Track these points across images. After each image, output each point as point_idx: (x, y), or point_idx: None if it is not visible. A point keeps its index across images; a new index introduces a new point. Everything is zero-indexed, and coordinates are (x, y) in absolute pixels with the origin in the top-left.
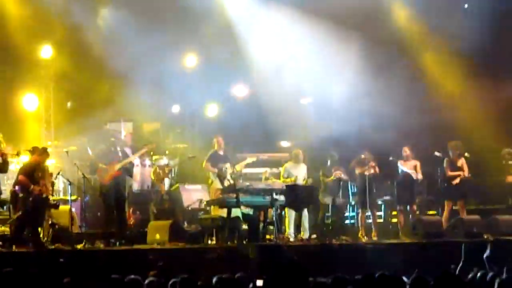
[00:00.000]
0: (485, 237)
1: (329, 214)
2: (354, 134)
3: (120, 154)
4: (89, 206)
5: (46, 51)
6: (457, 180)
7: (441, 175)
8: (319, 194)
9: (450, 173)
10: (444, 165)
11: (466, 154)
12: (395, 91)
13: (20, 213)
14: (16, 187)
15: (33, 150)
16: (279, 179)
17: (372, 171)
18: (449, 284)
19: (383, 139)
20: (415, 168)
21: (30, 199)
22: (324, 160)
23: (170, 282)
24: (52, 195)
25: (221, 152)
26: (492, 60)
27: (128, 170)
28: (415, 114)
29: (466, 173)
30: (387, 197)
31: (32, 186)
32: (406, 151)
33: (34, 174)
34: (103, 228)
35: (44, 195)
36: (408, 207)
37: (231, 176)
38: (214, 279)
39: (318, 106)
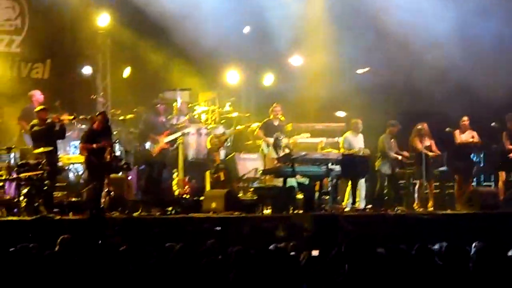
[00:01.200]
0: None
1: (386, 184)
2: (411, 104)
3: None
4: (144, 175)
5: (103, 19)
6: None
7: (498, 146)
8: (376, 164)
9: (510, 146)
10: (503, 137)
11: None
12: (452, 62)
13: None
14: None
15: (92, 118)
16: (335, 149)
17: (428, 142)
18: None
19: (441, 109)
20: (472, 138)
21: (89, 165)
22: (382, 131)
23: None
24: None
25: (276, 122)
26: None
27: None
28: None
29: None
30: (444, 168)
31: (88, 153)
32: (465, 120)
33: (94, 140)
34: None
35: (104, 161)
36: (464, 178)
37: (286, 146)
38: (270, 248)
39: (375, 76)
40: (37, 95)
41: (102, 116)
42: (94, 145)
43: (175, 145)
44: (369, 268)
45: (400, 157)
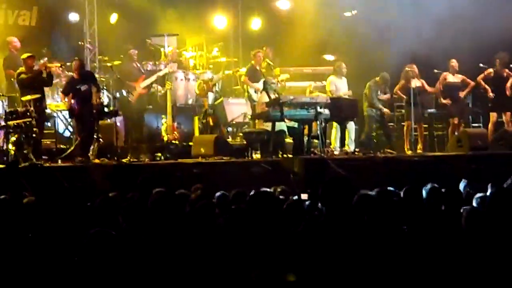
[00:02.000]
0: None
1: (375, 127)
2: (399, 46)
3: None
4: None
5: None
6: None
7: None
8: (364, 107)
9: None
10: (492, 75)
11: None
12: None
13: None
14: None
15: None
16: (323, 92)
17: (418, 83)
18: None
19: (429, 51)
20: (463, 80)
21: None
22: (371, 75)
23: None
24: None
25: (259, 67)
26: None
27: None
28: (460, 26)
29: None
30: (432, 110)
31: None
32: (453, 62)
33: (74, 88)
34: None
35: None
36: (454, 119)
37: (275, 90)
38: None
39: (363, 19)
40: (14, 41)
41: (76, 63)
42: (66, 99)
43: (159, 91)
44: (345, 210)
45: (385, 111)
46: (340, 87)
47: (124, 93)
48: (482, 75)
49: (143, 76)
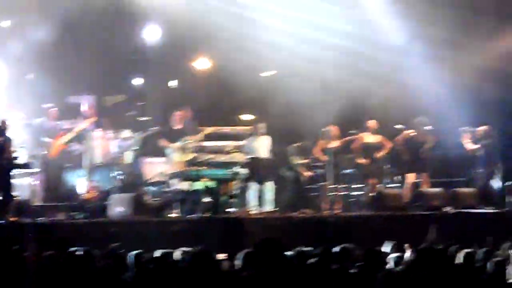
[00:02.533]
0: (446, 210)
1: (293, 187)
2: (318, 107)
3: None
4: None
5: (6, 18)
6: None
7: (404, 148)
8: (284, 167)
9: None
10: (405, 139)
11: (428, 127)
12: (360, 64)
13: None
14: None
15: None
16: (242, 152)
17: (336, 144)
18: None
19: (348, 112)
20: (380, 141)
21: None
22: (289, 135)
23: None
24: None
25: (178, 127)
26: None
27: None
28: (380, 88)
29: (430, 144)
30: (350, 171)
31: None
32: (371, 123)
33: None
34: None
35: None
36: (371, 179)
37: (193, 150)
38: (177, 253)
39: (281, 79)
40: None
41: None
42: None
43: (77, 149)
44: (276, 270)
45: (305, 173)
46: (258, 147)
47: (43, 151)
48: (399, 137)
49: (61, 133)
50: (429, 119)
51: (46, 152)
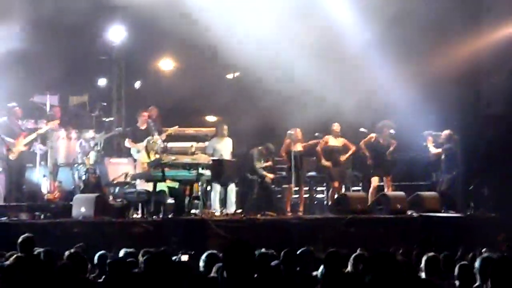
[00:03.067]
0: (409, 213)
1: (256, 189)
2: (284, 110)
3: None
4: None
5: None
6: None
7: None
8: (247, 169)
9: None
10: (371, 142)
11: (391, 130)
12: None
13: None
14: None
15: None
16: (205, 153)
17: (300, 147)
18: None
19: (312, 115)
20: (344, 144)
21: None
22: (255, 138)
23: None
24: None
25: (143, 127)
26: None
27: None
28: (343, 91)
29: (393, 148)
30: (313, 173)
31: None
32: (335, 126)
33: None
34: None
35: None
36: (335, 182)
37: (157, 151)
38: (140, 253)
39: (246, 80)
40: None
41: None
42: None
43: (40, 149)
44: (247, 273)
45: (268, 176)
46: (221, 148)
47: (4, 150)
48: (364, 140)
49: (24, 133)
50: (393, 123)
51: (7, 152)
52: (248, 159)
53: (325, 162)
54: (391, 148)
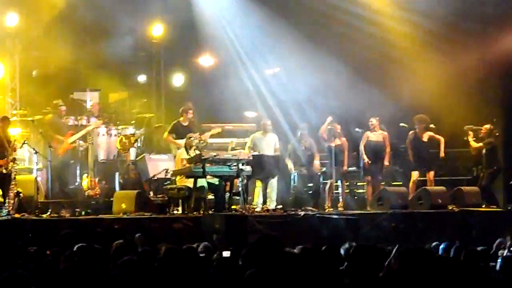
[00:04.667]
0: (450, 208)
1: (297, 184)
2: (321, 105)
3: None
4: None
5: (11, 19)
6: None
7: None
8: (287, 164)
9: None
10: (409, 138)
11: (431, 125)
12: (360, 62)
13: None
14: None
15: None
16: (245, 149)
17: (339, 142)
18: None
19: (350, 110)
20: (383, 139)
21: None
22: (293, 131)
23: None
24: (12, 170)
25: (185, 123)
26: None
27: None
28: (381, 86)
29: (441, 144)
30: (353, 168)
31: None
32: (373, 122)
33: None
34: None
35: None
36: (374, 178)
37: (197, 146)
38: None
39: (284, 76)
40: None
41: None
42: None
43: (81, 145)
44: (276, 268)
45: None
46: (263, 144)
47: (53, 147)
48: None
49: (71, 131)
50: (431, 118)
51: (54, 149)
52: (289, 152)
53: (364, 157)
54: (441, 145)
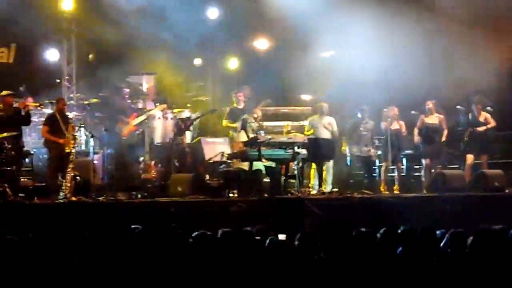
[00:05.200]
0: (507, 191)
1: (351, 165)
2: (377, 88)
3: (139, 107)
4: (111, 159)
5: (67, 3)
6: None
7: (463, 128)
8: (343, 147)
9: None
10: (469, 118)
11: (488, 107)
12: (418, 45)
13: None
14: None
15: (56, 101)
16: (301, 132)
17: (396, 125)
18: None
19: (407, 93)
20: (440, 122)
21: (50, 152)
22: (353, 113)
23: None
24: (74, 147)
25: (240, 106)
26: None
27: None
28: (438, 68)
29: (491, 125)
30: (410, 151)
31: (52, 138)
32: (429, 105)
33: (55, 125)
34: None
35: (65, 148)
36: (431, 160)
37: (253, 128)
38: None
39: (340, 60)
40: None
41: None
42: (61, 140)
43: (142, 128)
44: (345, 252)
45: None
46: (320, 128)
47: (117, 129)
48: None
49: (135, 114)
50: (488, 99)
51: (119, 131)
52: (347, 128)
53: (418, 140)
54: (489, 126)
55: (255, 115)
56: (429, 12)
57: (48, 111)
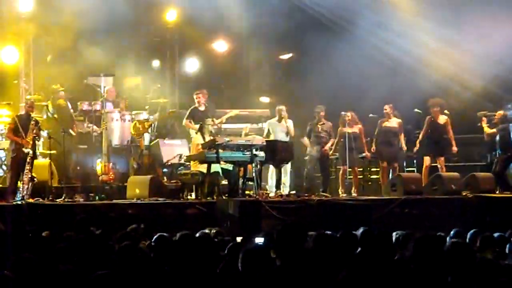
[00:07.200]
0: (464, 194)
1: (313, 167)
2: (337, 91)
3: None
4: (69, 161)
5: (25, 4)
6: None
7: (420, 131)
8: (304, 143)
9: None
10: (426, 122)
11: (445, 111)
12: (374, 51)
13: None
14: None
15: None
16: (259, 135)
17: (354, 129)
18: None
19: (365, 97)
20: (397, 125)
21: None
22: (310, 116)
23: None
24: (34, 149)
25: (202, 108)
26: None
27: None
28: (395, 73)
29: (449, 130)
30: (364, 154)
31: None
32: (387, 109)
33: (17, 126)
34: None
35: (25, 149)
36: (388, 164)
37: (211, 132)
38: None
39: (299, 62)
40: None
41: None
42: (21, 141)
43: (95, 131)
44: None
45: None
46: (277, 130)
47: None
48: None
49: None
50: (444, 102)
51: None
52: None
53: (373, 145)
54: (446, 128)
55: (217, 122)
56: None
57: (4, 112)
